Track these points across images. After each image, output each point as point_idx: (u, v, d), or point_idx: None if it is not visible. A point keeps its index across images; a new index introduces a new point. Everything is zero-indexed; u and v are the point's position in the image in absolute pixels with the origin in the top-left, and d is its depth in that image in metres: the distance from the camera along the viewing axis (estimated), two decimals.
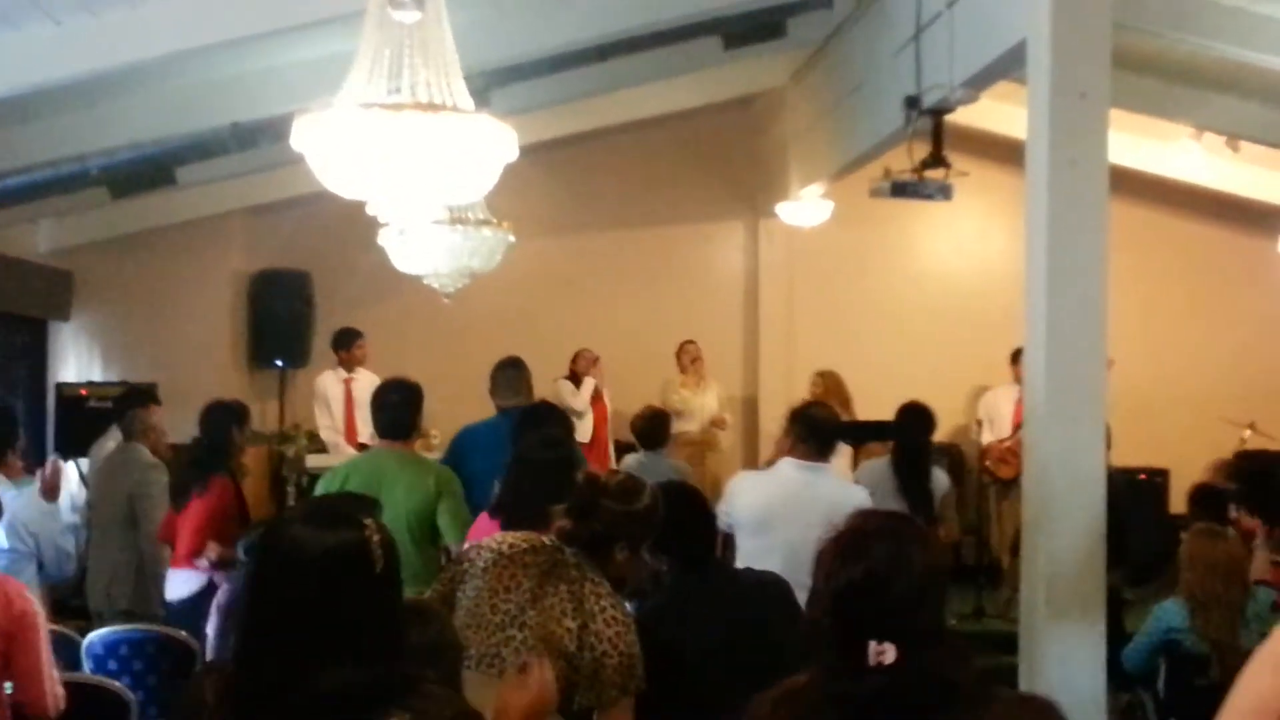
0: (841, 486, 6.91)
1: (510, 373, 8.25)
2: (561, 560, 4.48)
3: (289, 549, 2.76)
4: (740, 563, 6.54)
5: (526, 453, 6.13)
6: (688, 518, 5.09)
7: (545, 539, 4.58)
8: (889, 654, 2.64)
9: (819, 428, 6.73)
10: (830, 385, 12.66)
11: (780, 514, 6.44)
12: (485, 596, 4.36)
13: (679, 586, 5.05)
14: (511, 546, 4.52)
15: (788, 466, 6.64)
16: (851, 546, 2.78)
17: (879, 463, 9.15)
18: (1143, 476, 12.96)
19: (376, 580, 2.79)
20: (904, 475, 8.76)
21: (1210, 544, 6.87)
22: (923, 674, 2.66)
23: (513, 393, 8.08)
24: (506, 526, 5.89)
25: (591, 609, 4.41)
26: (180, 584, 7.85)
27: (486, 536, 5.15)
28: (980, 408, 13.08)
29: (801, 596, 6.13)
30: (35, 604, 5.14)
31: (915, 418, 9.05)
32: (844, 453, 10.74)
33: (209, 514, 7.79)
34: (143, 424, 8.69)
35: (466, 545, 4.61)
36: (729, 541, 6.91)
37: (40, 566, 7.21)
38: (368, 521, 2.83)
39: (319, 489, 6.71)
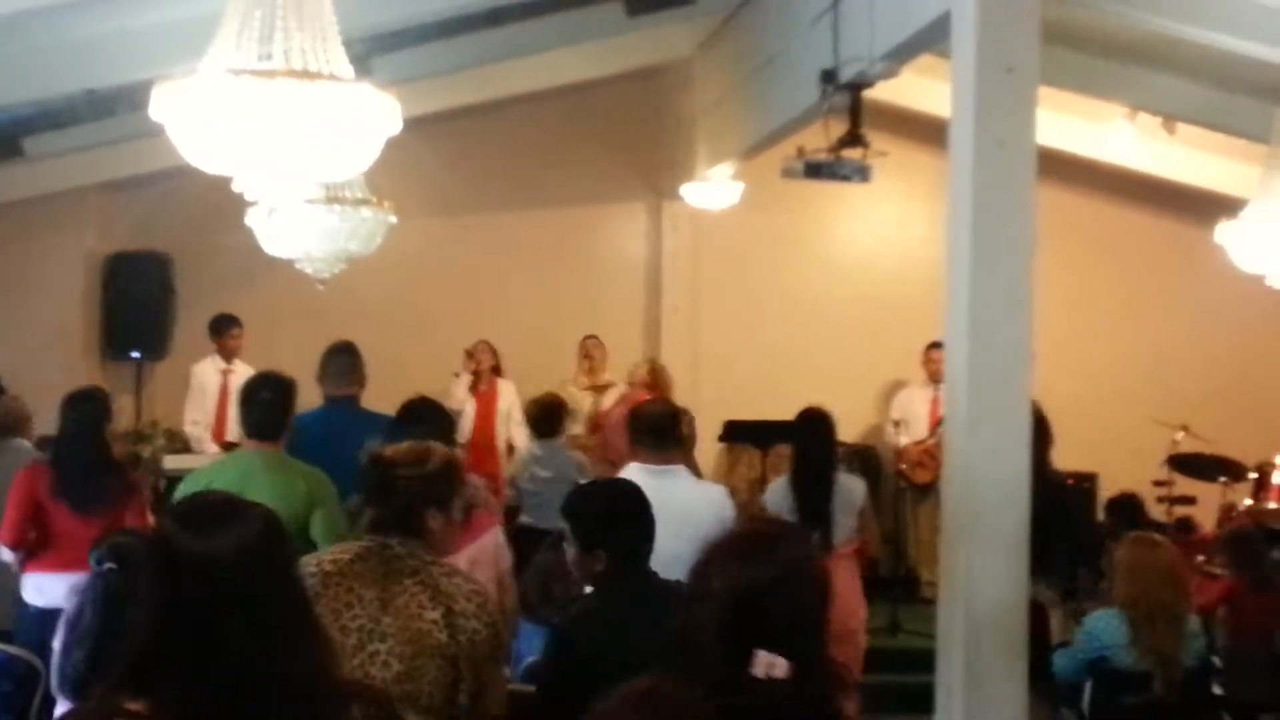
0: (695, 487, 6.86)
1: (342, 359, 8.23)
2: (392, 554, 4.58)
3: (196, 555, 2.72)
4: None
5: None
6: (624, 511, 5.18)
7: (361, 542, 4.67)
8: (780, 668, 2.62)
9: (654, 427, 6.72)
10: (656, 376, 12.73)
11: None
12: (329, 621, 4.32)
13: (609, 587, 5.08)
14: (334, 562, 4.57)
15: (635, 473, 6.54)
16: (756, 548, 2.77)
17: (780, 482, 9.11)
18: (1070, 481, 13.10)
19: (293, 556, 2.87)
20: (802, 492, 8.65)
21: (1150, 551, 6.97)
22: (817, 693, 2.66)
23: (345, 381, 8.04)
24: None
25: (449, 590, 4.56)
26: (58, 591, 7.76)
27: None
28: (894, 408, 13.20)
29: None
30: None
31: (814, 427, 8.90)
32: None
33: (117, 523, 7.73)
34: (18, 415, 8.69)
35: None
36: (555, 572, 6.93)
37: None
38: (256, 513, 2.84)
39: (180, 494, 6.63)
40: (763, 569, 2.72)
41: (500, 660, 4.79)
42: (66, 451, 8.10)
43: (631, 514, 5.21)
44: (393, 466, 4.72)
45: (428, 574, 4.57)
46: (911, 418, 12.75)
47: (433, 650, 4.47)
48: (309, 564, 4.59)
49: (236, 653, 2.66)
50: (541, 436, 9.76)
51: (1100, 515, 11.30)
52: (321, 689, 2.71)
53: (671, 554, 6.26)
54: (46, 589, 7.83)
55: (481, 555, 6.26)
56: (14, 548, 8.12)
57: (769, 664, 2.62)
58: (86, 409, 8.18)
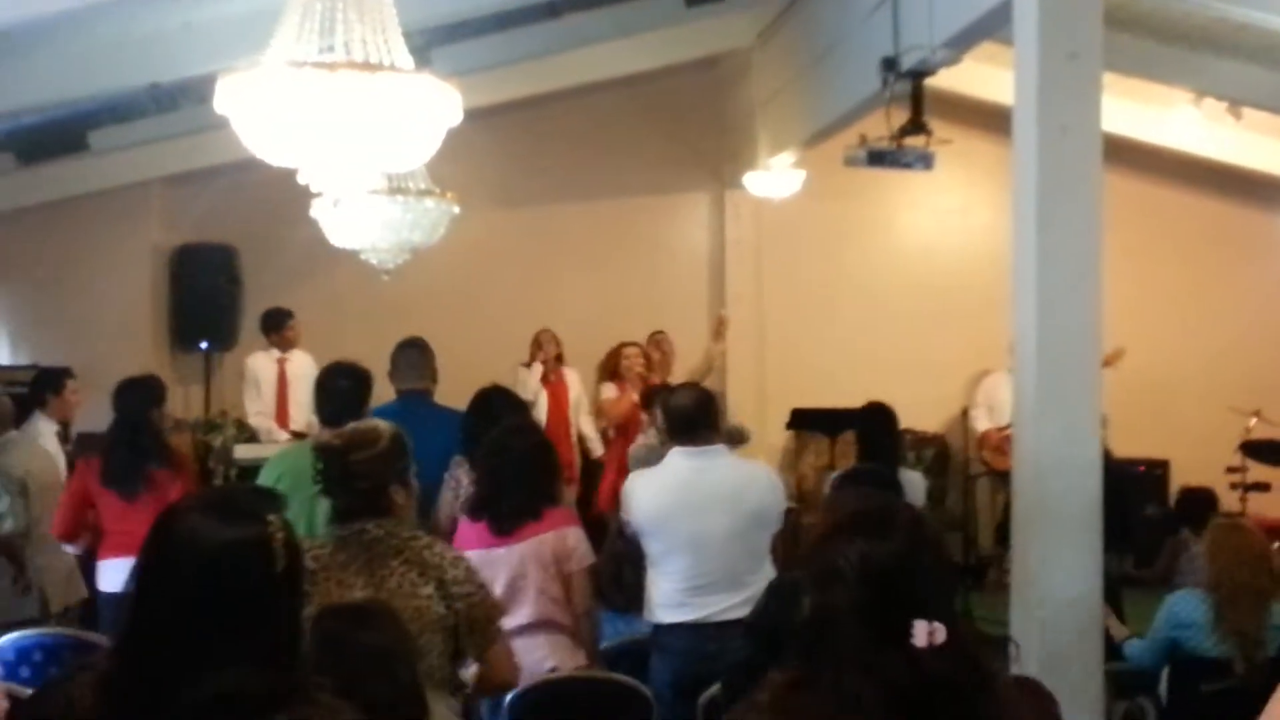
0: (739, 467, 6.78)
1: (412, 354, 8.19)
2: (371, 537, 4.63)
3: (184, 539, 2.76)
4: (649, 568, 6.51)
5: (501, 443, 6.20)
6: None
7: (334, 532, 4.70)
8: (940, 633, 2.58)
9: (685, 420, 6.61)
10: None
11: (677, 510, 6.36)
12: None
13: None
14: (315, 558, 4.56)
15: (675, 457, 6.53)
16: (876, 521, 2.73)
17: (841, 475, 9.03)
18: (1141, 469, 13.00)
19: (276, 580, 2.79)
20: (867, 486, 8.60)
21: (1233, 534, 6.93)
22: (972, 658, 2.63)
23: (415, 375, 8.03)
24: (497, 530, 5.97)
25: (437, 563, 4.64)
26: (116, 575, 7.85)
27: (471, 547, 5.20)
28: (979, 393, 13.13)
29: (715, 589, 6.20)
30: None
31: (877, 420, 8.83)
32: None
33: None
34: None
35: None
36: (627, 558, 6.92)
37: None
38: (271, 518, 2.82)
39: (262, 480, 6.64)
40: (892, 539, 2.68)
41: (498, 628, 4.88)
42: (111, 440, 8.13)
43: None
44: (347, 453, 4.74)
45: (411, 551, 4.64)
46: (997, 403, 12.65)
47: (434, 625, 4.55)
48: None
49: (186, 647, 2.67)
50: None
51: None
52: (259, 710, 2.70)
53: (724, 530, 6.28)
54: (110, 574, 7.94)
55: (540, 551, 6.21)
56: (67, 540, 8.22)
57: (929, 631, 2.57)
58: (130, 397, 8.21)
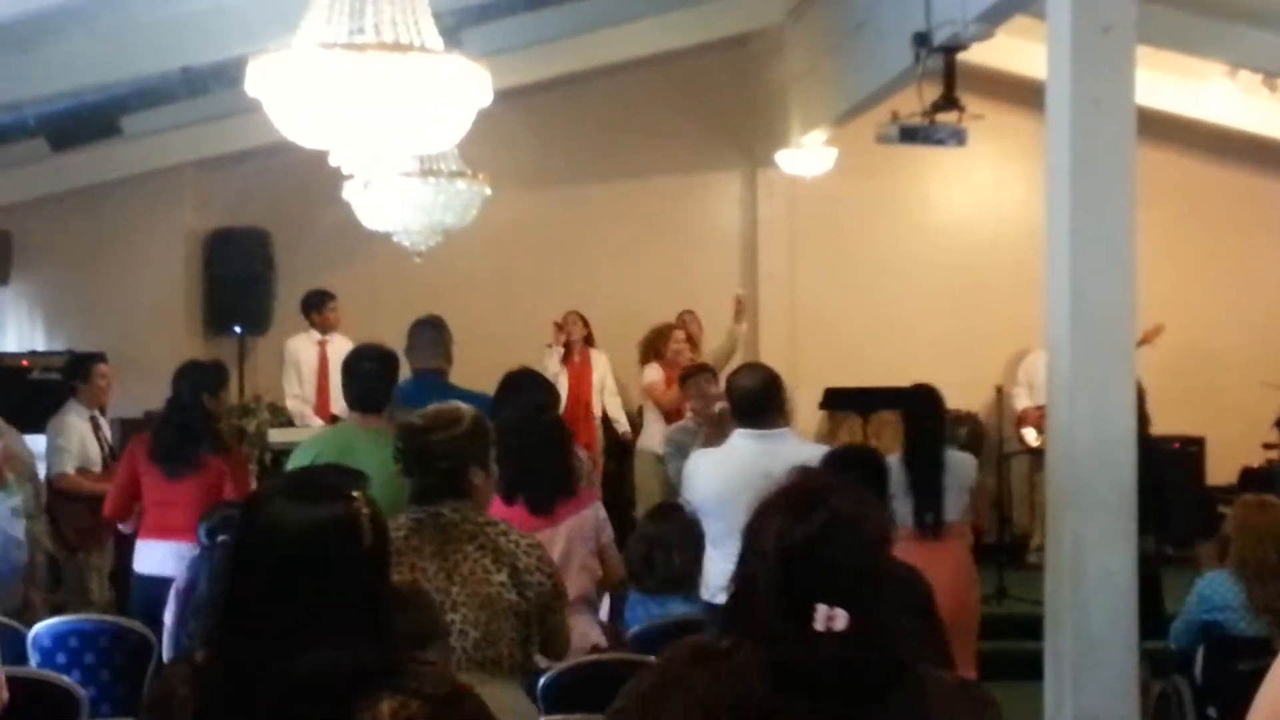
0: (801, 448, 6.77)
1: (429, 333, 8.11)
2: (446, 521, 4.63)
3: (272, 524, 2.78)
4: (709, 548, 6.52)
5: (522, 421, 6.20)
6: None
7: (410, 514, 4.70)
8: (839, 620, 2.59)
9: (750, 404, 6.61)
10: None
11: (739, 491, 6.32)
12: None
13: None
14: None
15: (739, 439, 6.56)
16: (804, 501, 2.74)
17: (892, 460, 9.02)
18: (1176, 446, 12.93)
19: (364, 557, 2.81)
20: (914, 470, 8.56)
21: (1260, 511, 6.90)
22: (873, 646, 2.63)
23: (430, 354, 7.98)
24: (536, 510, 5.99)
25: (509, 549, 4.62)
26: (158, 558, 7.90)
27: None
28: (1020, 371, 13.07)
29: None
30: None
31: (924, 403, 8.80)
32: None
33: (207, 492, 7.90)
34: None
35: None
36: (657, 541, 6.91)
37: None
38: (355, 494, 2.85)
39: (290, 466, 6.65)
40: (810, 522, 2.68)
41: (563, 607, 4.89)
42: (163, 418, 8.21)
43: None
44: (428, 433, 4.74)
45: (485, 537, 4.63)
46: (1038, 382, 12.59)
47: (506, 611, 4.54)
48: None
49: (283, 629, 2.70)
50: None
51: (1215, 479, 11.17)
52: (359, 684, 2.71)
53: None
54: (145, 556, 7.98)
55: (582, 527, 6.26)
56: (116, 518, 8.32)
57: (829, 616, 2.59)
58: (185, 379, 8.24)
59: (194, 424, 8.08)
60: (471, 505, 4.70)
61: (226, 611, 2.79)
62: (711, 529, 6.51)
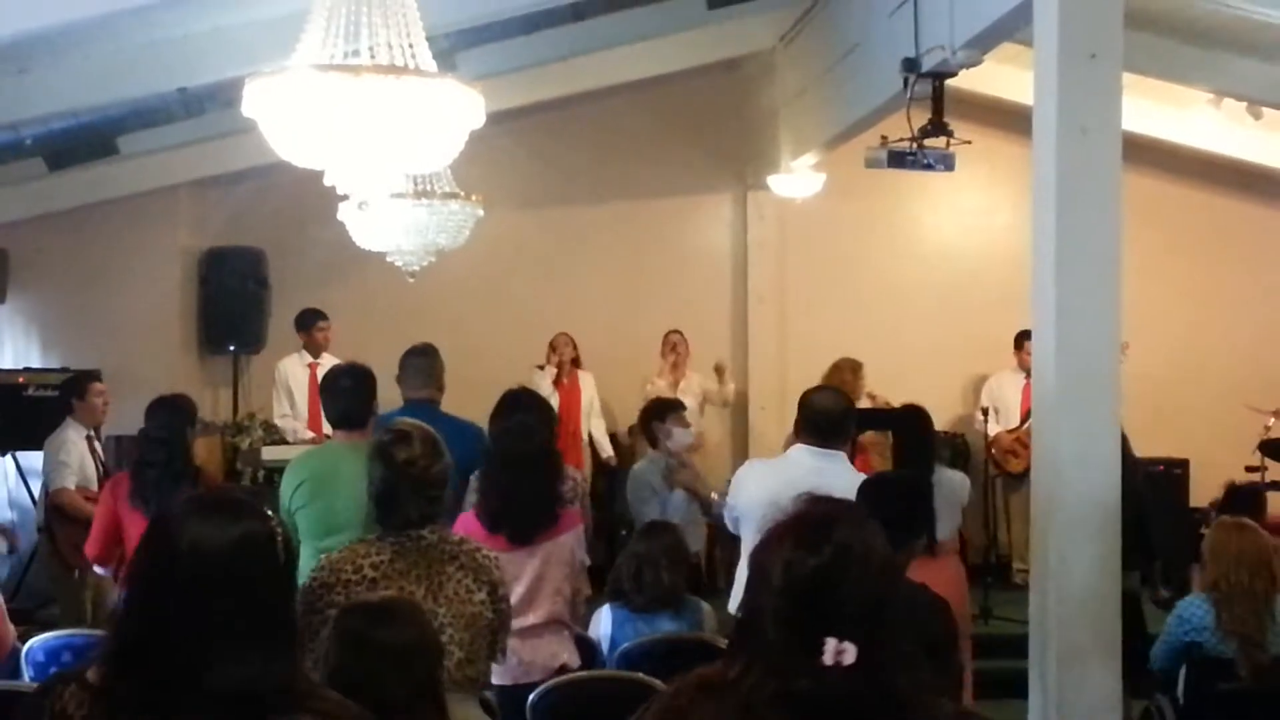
0: (852, 476, 6.81)
1: (419, 361, 7.99)
2: (427, 543, 4.66)
3: (191, 540, 2.75)
4: (744, 558, 6.50)
5: (507, 447, 6.18)
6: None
7: (388, 539, 4.71)
8: (849, 654, 2.58)
9: (817, 417, 6.61)
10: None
11: (788, 502, 6.34)
12: None
13: None
14: (374, 566, 4.61)
15: (799, 453, 6.56)
16: (814, 532, 2.72)
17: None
18: (1160, 468, 12.95)
19: (281, 573, 2.84)
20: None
21: (1236, 535, 6.90)
22: (881, 681, 2.62)
23: (421, 383, 7.87)
24: (515, 541, 5.97)
25: (486, 564, 4.71)
26: None
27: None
28: (984, 395, 13.07)
29: None
30: None
31: (914, 423, 8.78)
32: None
33: None
34: None
35: (310, 584, 4.64)
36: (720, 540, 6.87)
37: None
38: (270, 513, 2.87)
39: (285, 483, 6.63)
40: (820, 554, 2.66)
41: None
42: (142, 459, 7.91)
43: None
44: (431, 466, 4.78)
45: (466, 556, 4.69)
46: (1003, 405, 12.63)
47: (485, 629, 4.60)
48: (347, 570, 4.60)
49: (196, 645, 2.68)
50: (655, 446, 9.50)
51: (1198, 501, 11.15)
52: (275, 699, 2.71)
53: None
54: None
55: (560, 551, 6.22)
56: (101, 563, 7.98)
57: (837, 650, 2.57)
58: (165, 416, 8.02)
59: (177, 464, 7.85)
60: (443, 526, 4.77)
61: (136, 628, 2.76)
62: (750, 540, 6.49)
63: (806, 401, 6.75)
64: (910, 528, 5.43)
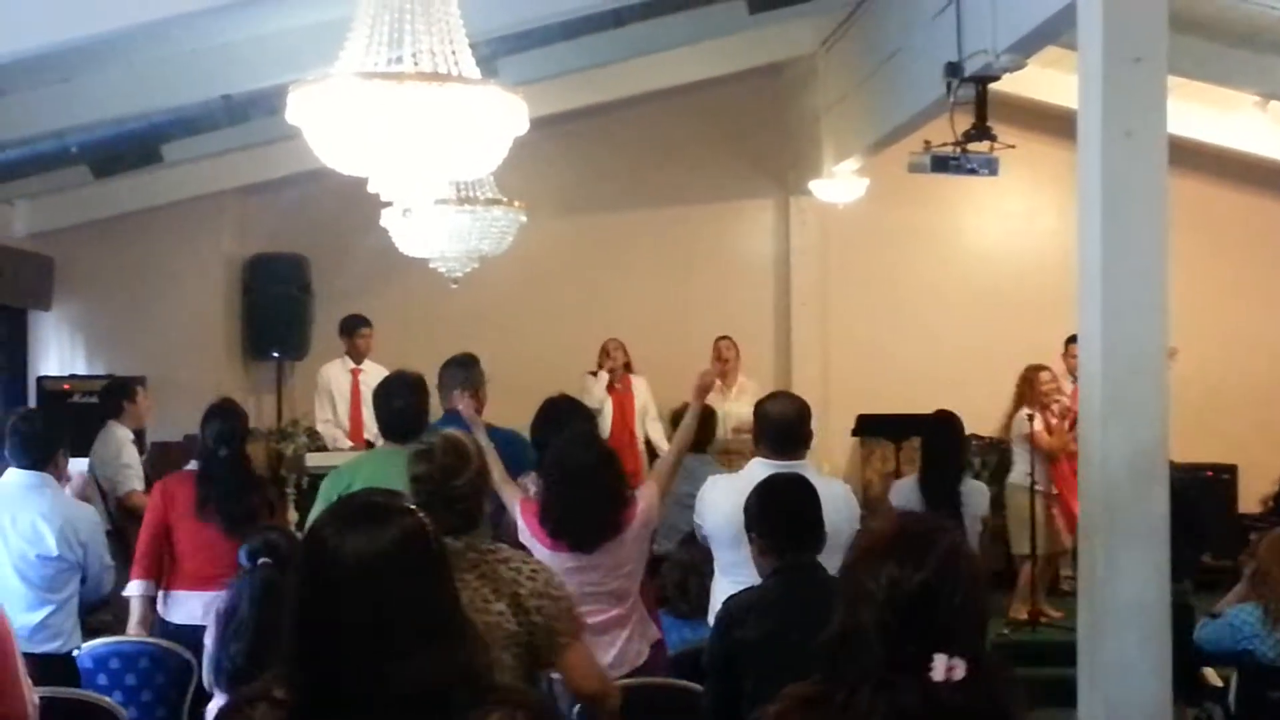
0: (820, 484, 6.72)
1: (454, 372, 7.94)
2: (451, 551, 4.56)
3: (349, 550, 2.72)
4: (719, 575, 6.46)
5: (567, 457, 6.14)
6: (796, 511, 5.21)
7: None
8: (959, 669, 2.56)
9: (781, 430, 6.43)
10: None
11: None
12: None
13: (779, 584, 5.06)
14: None
15: (759, 468, 6.31)
16: (915, 546, 2.69)
17: (908, 482, 8.98)
18: (1209, 474, 12.87)
19: (442, 563, 2.84)
20: (930, 494, 8.51)
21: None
22: (990, 696, 2.60)
23: (456, 394, 7.88)
24: (556, 538, 5.92)
25: (510, 577, 4.60)
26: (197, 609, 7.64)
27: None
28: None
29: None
30: (6, 620, 5.08)
31: (944, 429, 8.73)
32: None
33: None
34: None
35: None
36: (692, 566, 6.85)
37: (83, 580, 7.09)
38: (412, 505, 2.87)
39: (325, 489, 6.63)
40: (925, 567, 2.64)
41: (576, 633, 4.79)
42: (209, 472, 7.64)
43: (796, 508, 5.21)
44: (446, 481, 4.74)
45: (487, 566, 4.61)
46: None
47: (505, 641, 4.49)
48: None
49: (369, 653, 2.65)
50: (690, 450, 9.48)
51: (1247, 507, 11.08)
52: (459, 694, 2.70)
53: None
54: (186, 607, 7.42)
55: (620, 551, 6.19)
56: (150, 578, 7.60)
57: (949, 667, 2.55)
58: (226, 425, 7.76)
59: (240, 473, 7.69)
60: (475, 534, 4.71)
61: (308, 646, 2.72)
62: (722, 557, 6.41)
63: (760, 412, 6.56)
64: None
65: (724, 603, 5.21)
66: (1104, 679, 6.24)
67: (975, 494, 8.36)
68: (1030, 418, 10.78)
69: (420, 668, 2.66)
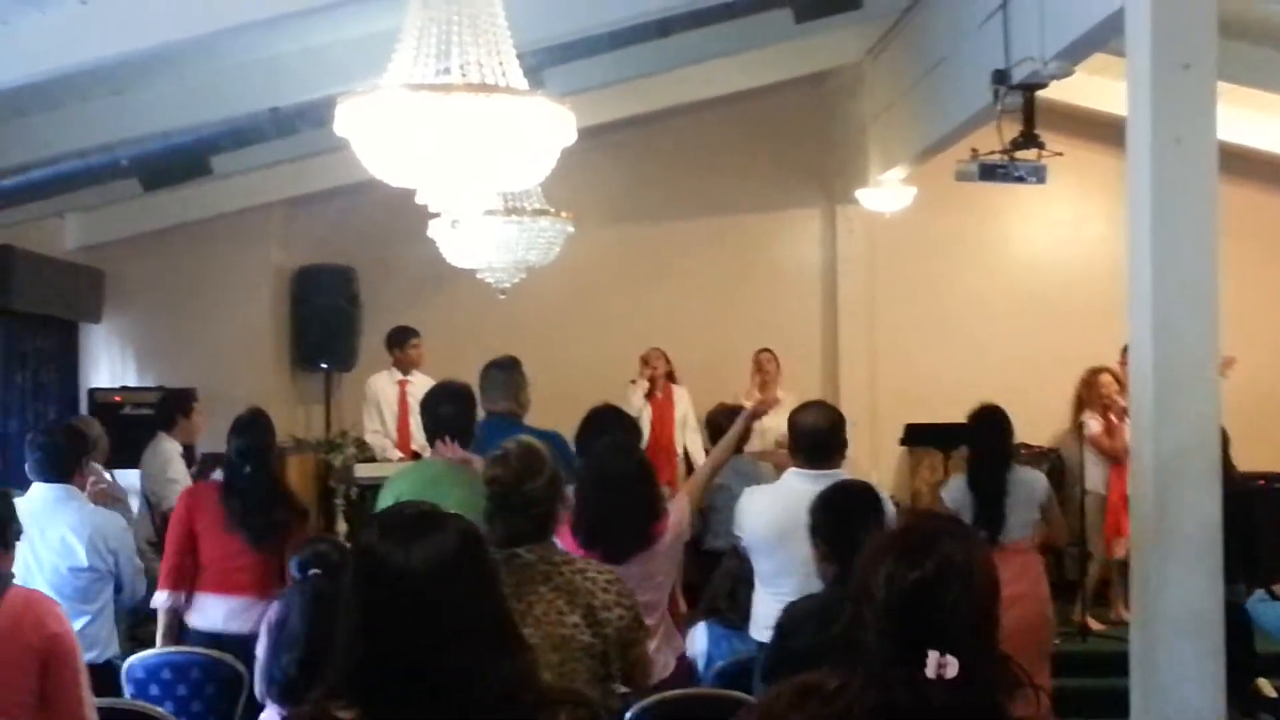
0: None
1: (499, 374, 7.88)
2: (523, 562, 4.63)
3: (423, 556, 2.73)
4: (758, 585, 6.47)
5: (607, 463, 6.14)
6: (858, 518, 5.16)
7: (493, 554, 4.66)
8: (951, 668, 2.57)
9: (814, 441, 6.51)
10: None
11: (790, 530, 6.25)
12: None
13: (839, 592, 5.08)
14: None
15: (792, 478, 6.48)
16: (916, 545, 2.71)
17: (958, 480, 8.97)
18: (1262, 483, 12.76)
19: (494, 570, 2.87)
20: (980, 492, 8.48)
21: None
22: (983, 695, 2.61)
23: (499, 396, 7.76)
24: (588, 547, 5.92)
25: (584, 588, 4.62)
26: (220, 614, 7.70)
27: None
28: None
29: None
30: (69, 624, 5.11)
31: (987, 422, 8.70)
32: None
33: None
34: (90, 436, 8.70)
35: None
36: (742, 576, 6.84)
37: (118, 589, 7.14)
38: (460, 516, 2.88)
39: (382, 500, 6.65)
40: (921, 567, 2.66)
41: (644, 638, 4.88)
42: (237, 479, 7.68)
43: (859, 516, 5.18)
44: (520, 484, 4.74)
45: (562, 577, 4.63)
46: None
47: (579, 653, 4.52)
48: None
49: (439, 663, 2.66)
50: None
51: None
52: (526, 697, 2.72)
53: None
54: (209, 611, 7.52)
55: (651, 563, 6.19)
56: (177, 589, 7.56)
57: (940, 664, 2.57)
58: (256, 435, 7.82)
59: (265, 484, 7.73)
60: (547, 546, 4.72)
61: (371, 661, 2.72)
62: (761, 567, 6.46)
63: (792, 423, 6.64)
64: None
65: (784, 609, 5.23)
66: (1157, 689, 6.19)
67: (1024, 483, 8.27)
68: (1084, 423, 10.74)
69: (490, 673, 2.68)
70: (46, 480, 6.97)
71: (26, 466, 7.11)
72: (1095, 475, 11.08)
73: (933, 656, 2.57)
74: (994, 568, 2.80)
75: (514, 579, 4.55)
